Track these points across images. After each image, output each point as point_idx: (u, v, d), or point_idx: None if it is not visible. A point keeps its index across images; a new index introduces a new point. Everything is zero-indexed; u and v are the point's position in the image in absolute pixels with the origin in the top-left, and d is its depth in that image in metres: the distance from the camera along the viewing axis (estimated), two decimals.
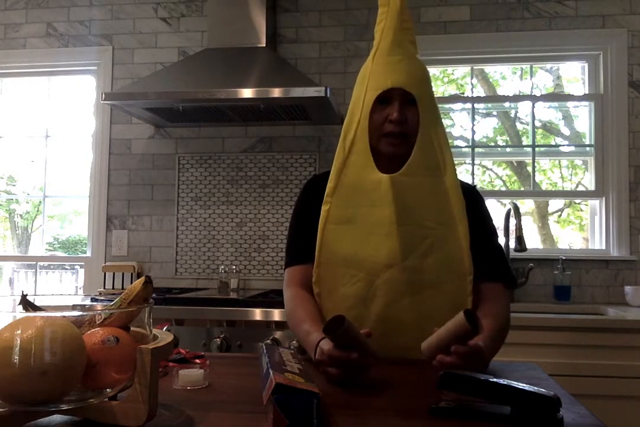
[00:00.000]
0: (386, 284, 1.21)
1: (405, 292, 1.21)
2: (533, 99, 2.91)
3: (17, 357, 0.66)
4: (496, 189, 3.41)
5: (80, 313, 0.81)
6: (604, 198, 2.75)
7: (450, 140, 3.12)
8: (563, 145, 3.13)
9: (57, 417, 0.77)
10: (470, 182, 2.91)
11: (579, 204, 3.22)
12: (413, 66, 1.26)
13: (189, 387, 0.96)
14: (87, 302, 2.43)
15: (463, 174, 3.09)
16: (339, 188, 1.27)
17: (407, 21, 1.29)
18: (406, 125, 1.24)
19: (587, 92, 2.86)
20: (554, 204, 3.36)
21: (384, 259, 1.22)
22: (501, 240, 2.68)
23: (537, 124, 3.00)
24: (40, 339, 0.67)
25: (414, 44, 1.30)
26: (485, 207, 1.37)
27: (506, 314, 1.29)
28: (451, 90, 3.21)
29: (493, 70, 3.24)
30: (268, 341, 2.09)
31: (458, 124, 3.10)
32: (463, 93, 3.06)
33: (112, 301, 0.82)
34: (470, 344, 0.98)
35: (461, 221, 1.24)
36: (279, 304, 2.18)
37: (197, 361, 1.14)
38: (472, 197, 1.33)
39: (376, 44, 1.30)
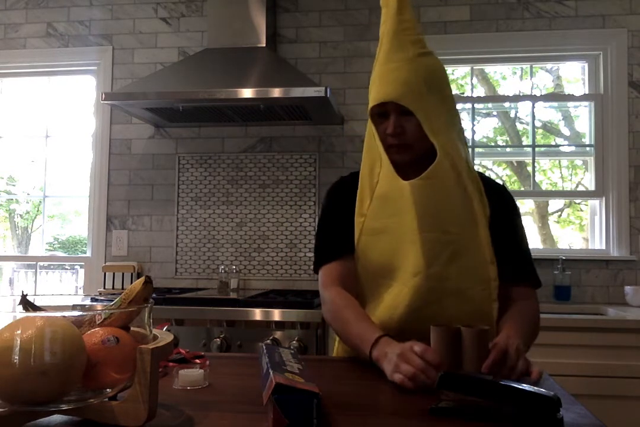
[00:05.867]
0: (410, 292, 1.19)
1: (428, 300, 1.19)
2: (533, 99, 2.91)
3: (17, 357, 0.66)
4: None
5: (80, 313, 0.81)
6: (604, 198, 2.75)
7: None
8: (563, 145, 3.12)
9: (57, 417, 0.77)
10: None
11: (579, 204, 3.21)
12: (410, 73, 1.21)
13: (189, 387, 0.96)
14: (87, 302, 2.43)
15: None
16: (373, 201, 1.26)
17: (408, 21, 1.25)
18: (404, 136, 1.22)
19: (587, 92, 2.86)
20: (554, 204, 3.36)
21: (411, 267, 1.20)
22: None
23: (537, 124, 3.00)
24: (40, 339, 0.67)
25: (419, 43, 1.25)
26: (515, 206, 1.34)
27: (535, 313, 1.29)
28: None
29: (493, 70, 3.24)
30: (268, 341, 2.09)
31: None
32: (463, 93, 3.06)
33: (112, 301, 0.82)
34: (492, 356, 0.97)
35: (483, 224, 1.21)
36: (279, 304, 2.19)
37: (197, 361, 1.14)
38: (502, 197, 1.31)
39: (378, 49, 1.27)
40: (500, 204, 1.28)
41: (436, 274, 1.19)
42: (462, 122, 1.31)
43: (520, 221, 1.34)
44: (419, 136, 1.21)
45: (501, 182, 1.43)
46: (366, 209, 1.26)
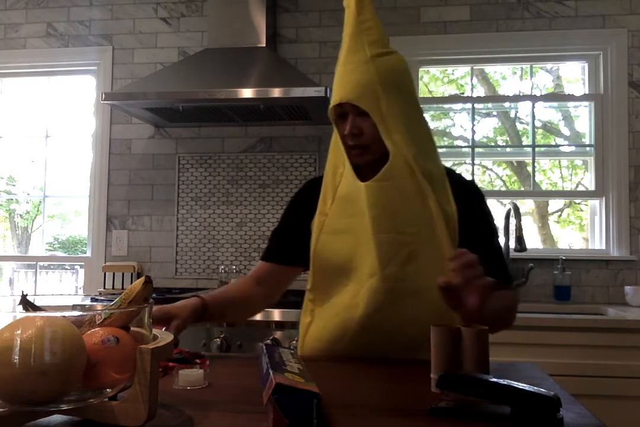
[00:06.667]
0: (368, 293, 1.21)
1: (386, 301, 1.20)
2: (533, 99, 2.91)
3: (17, 357, 0.66)
4: (496, 189, 3.41)
5: (80, 313, 0.81)
6: (604, 198, 2.75)
7: (450, 141, 3.13)
8: (563, 145, 3.12)
9: (57, 417, 0.77)
10: None
11: (579, 204, 3.21)
12: (365, 74, 1.21)
13: (189, 387, 0.96)
14: (87, 302, 2.43)
15: (463, 174, 3.09)
16: (335, 201, 1.28)
17: (368, 20, 1.24)
18: (361, 138, 1.23)
19: (587, 92, 2.86)
20: (554, 204, 3.36)
21: (367, 268, 1.21)
22: (501, 240, 2.69)
23: (537, 124, 3.00)
24: (40, 339, 0.67)
25: (378, 43, 1.24)
26: (484, 205, 1.33)
27: (511, 296, 1.26)
28: (451, 90, 3.21)
29: (493, 70, 3.24)
30: (268, 341, 2.09)
31: (458, 124, 3.10)
32: (463, 93, 3.06)
33: (112, 301, 0.82)
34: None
35: (441, 223, 1.21)
36: (279, 304, 2.18)
37: (197, 360, 1.14)
38: (469, 195, 1.30)
39: (340, 51, 1.28)
40: (468, 201, 1.28)
41: (392, 275, 1.19)
42: (426, 120, 1.31)
43: (491, 219, 1.33)
44: (377, 137, 1.22)
45: (503, 181, 1.43)
46: (328, 208, 1.28)
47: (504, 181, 3.52)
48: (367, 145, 1.24)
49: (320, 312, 1.31)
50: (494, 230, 1.32)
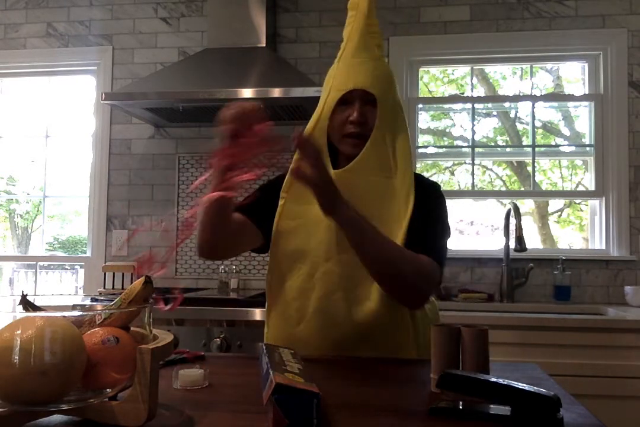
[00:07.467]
0: (323, 277, 1.23)
1: (340, 285, 1.23)
2: (533, 99, 2.91)
3: (17, 357, 0.66)
4: (496, 189, 3.41)
5: (80, 313, 0.81)
6: (604, 198, 2.75)
7: (450, 141, 3.13)
8: (563, 145, 3.12)
9: (57, 417, 0.77)
10: (470, 182, 2.92)
11: (579, 204, 3.21)
12: (377, 69, 1.27)
13: (189, 387, 0.96)
14: (87, 302, 2.43)
15: (463, 174, 3.10)
16: (294, 184, 1.29)
17: (374, 25, 1.31)
18: (366, 127, 1.25)
19: (587, 92, 2.86)
20: (554, 204, 3.36)
21: (323, 252, 1.24)
22: (501, 240, 2.69)
23: (537, 124, 3.00)
24: (40, 339, 0.67)
25: (381, 47, 1.32)
26: (438, 201, 1.32)
27: (414, 255, 1.18)
28: (451, 90, 3.21)
29: (493, 70, 3.24)
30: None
31: (458, 124, 3.09)
32: (463, 93, 3.06)
33: (112, 301, 0.82)
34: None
35: (404, 221, 1.22)
36: None
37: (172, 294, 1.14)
38: (426, 191, 1.30)
39: (343, 46, 1.32)
40: (422, 197, 1.28)
41: (348, 260, 1.20)
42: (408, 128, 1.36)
43: (441, 213, 1.31)
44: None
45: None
46: (286, 190, 1.32)
47: (504, 181, 3.52)
48: (366, 135, 1.26)
49: (277, 295, 1.32)
50: (438, 220, 1.29)
